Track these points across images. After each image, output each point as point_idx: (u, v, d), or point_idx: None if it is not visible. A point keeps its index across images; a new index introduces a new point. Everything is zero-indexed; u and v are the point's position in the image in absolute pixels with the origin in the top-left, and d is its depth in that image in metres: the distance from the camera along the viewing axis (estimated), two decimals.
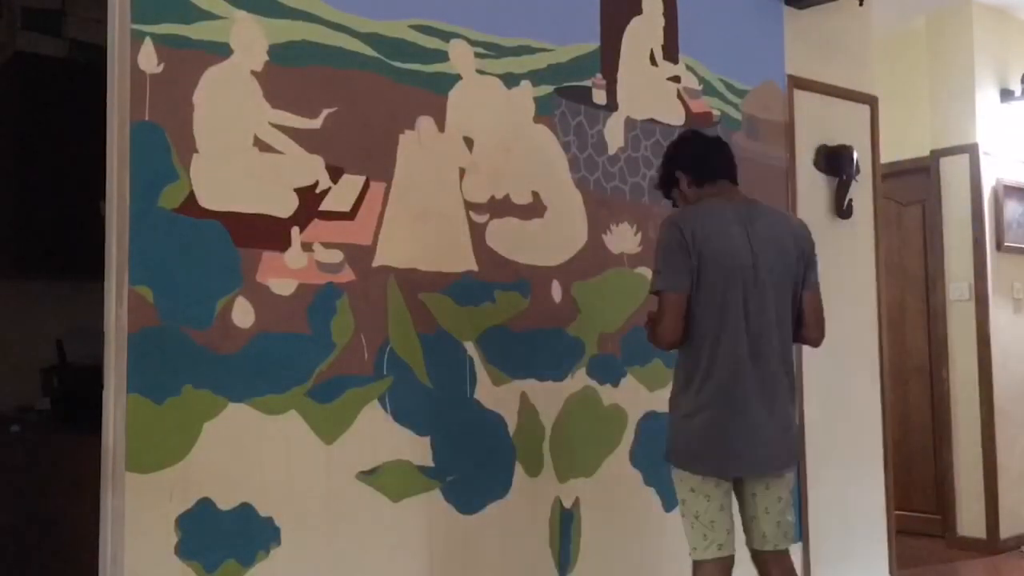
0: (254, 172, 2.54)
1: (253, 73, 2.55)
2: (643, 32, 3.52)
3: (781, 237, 2.63)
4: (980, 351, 5.23)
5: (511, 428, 3.01)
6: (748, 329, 2.54)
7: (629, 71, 3.45)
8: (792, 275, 2.63)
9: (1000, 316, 5.31)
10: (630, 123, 3.44)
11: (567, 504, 3.14)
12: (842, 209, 4.18)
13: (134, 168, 2.34)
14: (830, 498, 4.01)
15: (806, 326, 2.69)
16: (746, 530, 2.69)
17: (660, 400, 3.40)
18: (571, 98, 3.26)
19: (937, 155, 5.44)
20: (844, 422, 4.12)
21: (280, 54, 2.60)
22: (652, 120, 3.50)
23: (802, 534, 3.89)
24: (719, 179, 2.68)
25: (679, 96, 3.60)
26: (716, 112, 3.72)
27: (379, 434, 2.71)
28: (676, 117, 3.58)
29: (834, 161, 4.19)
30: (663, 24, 3.58)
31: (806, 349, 3.68)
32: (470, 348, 2.93)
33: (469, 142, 2.99)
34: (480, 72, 3.03)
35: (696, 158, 2.71)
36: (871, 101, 4.44)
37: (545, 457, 3.09)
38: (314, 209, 2.63)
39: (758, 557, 2.71)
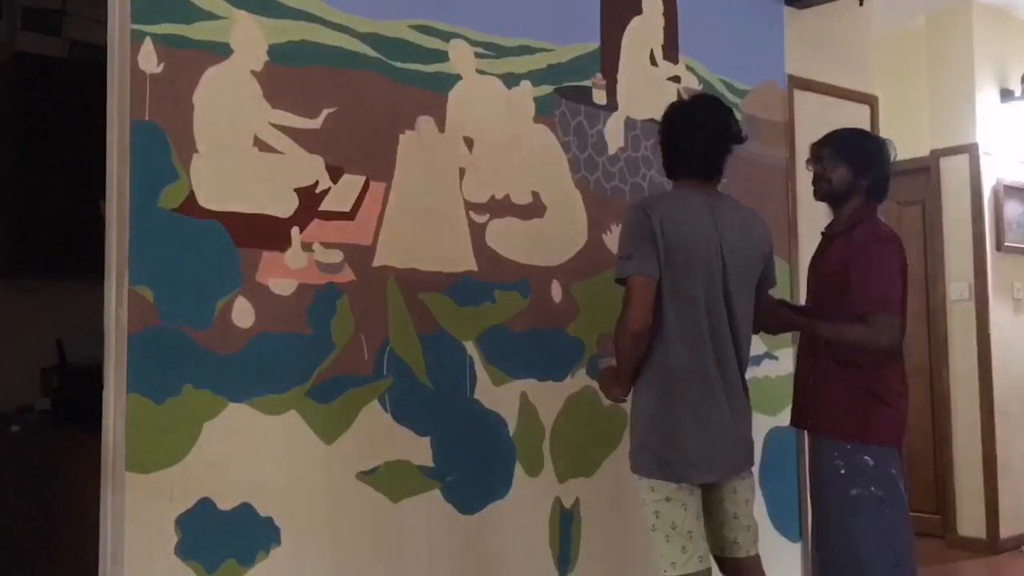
0: (254, 172, 2.53)
1: (253, 73, 2.55)
2: (643, 32, 3.52)
3: (749, 234, 2.57)
4: (980, 351, 5.23)
5: (511, 428, 3.01)
6: (712, 325, 2.47)
7: (629, 71, 3.45)
8: (756, 273, 2.59)
9: (1000, 316, 5.31)
10: (630, 123, 3.44)
11: (567, 504, 3.14)
12: None
13: (134, 168, 2.34)
14: None
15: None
16: (714, 537, 2.58)
17: None
18: (571, 98, 3.26)
19: (937, 155, 5.44)
20: None
21: (280, 54, 2.60)
22: (652, 120, 3.48)
23: (802, 534, 3.89)
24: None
25: (679, 96, 3.60)
26: None
27: (379, 434, 2.71)
28: None
29: None
30: (663, 24, 3.58)
31: None
32: (470, 348, 2.93)
33: (469, 142, 2.99)
34: (480, 72, 3.03)
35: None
36: (871, 101, 4.44)
37: (545, 457, 3.09)
38: (314, 209, 2.63)
39: (730, 564, 2.60)
